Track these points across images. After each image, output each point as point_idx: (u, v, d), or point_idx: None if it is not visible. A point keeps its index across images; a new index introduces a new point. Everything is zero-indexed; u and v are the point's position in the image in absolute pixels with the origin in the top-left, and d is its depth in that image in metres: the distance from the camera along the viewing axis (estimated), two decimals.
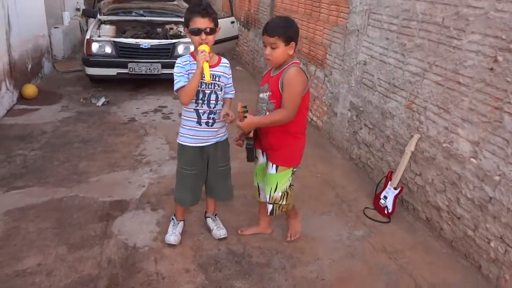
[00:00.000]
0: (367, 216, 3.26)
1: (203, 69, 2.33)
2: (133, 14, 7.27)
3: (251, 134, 2.53)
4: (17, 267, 2.51)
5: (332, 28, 4.63)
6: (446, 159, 2.89)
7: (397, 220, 3.22)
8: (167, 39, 6.61)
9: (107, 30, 6.63)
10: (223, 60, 2.59)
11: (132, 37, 6.58)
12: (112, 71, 6.16)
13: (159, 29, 7.02)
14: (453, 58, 2.80)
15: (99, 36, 6.36)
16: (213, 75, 2.45)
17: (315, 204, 3.40)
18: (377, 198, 3.34)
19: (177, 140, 2.66)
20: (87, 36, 6.30)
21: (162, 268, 2.56)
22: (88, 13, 7.72)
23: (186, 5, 7.33)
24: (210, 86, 2.48)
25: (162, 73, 6.22)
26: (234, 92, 2.66)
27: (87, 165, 3.89)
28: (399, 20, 3.38)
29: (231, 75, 2.62)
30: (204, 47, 2.37)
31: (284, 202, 2.69)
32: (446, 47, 2.87)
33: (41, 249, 2.68)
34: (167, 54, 6.28)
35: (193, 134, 2.58)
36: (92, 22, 6.98)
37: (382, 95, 3.67)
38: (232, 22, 7.94)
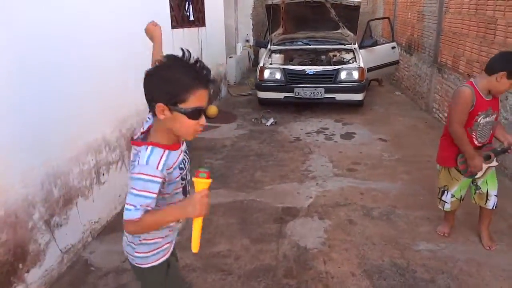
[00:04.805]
0: None
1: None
2: (300, 43, 7.95)
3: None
4: (213, 250, 3.10)
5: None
6: None
7: None
8: (331, 65, 7.05)
9: (277, 58, 7.41)
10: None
11: (298, 64, 7.21)
12: (280, 95, 6.84)
13: (323, 56, 7.52)
14: None
15: (270, 64, 7.14)
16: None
17: None
18: None
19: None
20: (260, 64, 7.15)
21: (330, 268, 2.85)
22: (260, 44, 8.74)
23: (349, 33, 7.69)
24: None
25: (325, 97, 6.66)
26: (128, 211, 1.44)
27: (261, 175, 4.46)
28: None
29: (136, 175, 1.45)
30: (205, 182, 1.45)
31: None
32: None
33: (230, 239, 3.23)
34: (330, 80, 6.71)
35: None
36: (264, 51, 7.87)
37: None
38: (393, 48, 8.01)
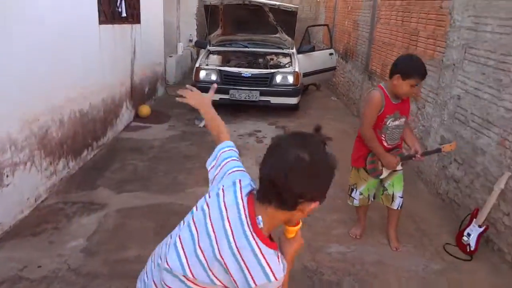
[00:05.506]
0: (447, 251, 3.19)
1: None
2: (238, 45, 7.94)
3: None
4: (122, 255, 2.97)
5: (428, 61, 4.62)
6: None
7: (480, 259, 3.09)
8: (267, 68, 7.09)
9: (214, 60, 7.35)
10: None
11: (235, 66, 7.19)
12: (215, 97, 6.70)
13: (260, 60, 7.55)
14: None
15: (207, 65, 7.06)
16: None
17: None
18: (460, 235, 3.24)
19: None
20: (197, 65, 7.05)
21: None
22: (200, 44, 8.65)
23: (287, 37, 7.77)
24: None
25: (260, 100, 6.67)
26: None
27: (185, 177, 4.36)
28: (497, 55, 3.33)
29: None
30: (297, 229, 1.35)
31: None
32: None
33: (142, 244, 3.11)
34: (266, 83, 6.74)
35: None
36: (203, 52, 7.78)
37: (474, 130, 3.58)
38: (331, 54, 8.21)
